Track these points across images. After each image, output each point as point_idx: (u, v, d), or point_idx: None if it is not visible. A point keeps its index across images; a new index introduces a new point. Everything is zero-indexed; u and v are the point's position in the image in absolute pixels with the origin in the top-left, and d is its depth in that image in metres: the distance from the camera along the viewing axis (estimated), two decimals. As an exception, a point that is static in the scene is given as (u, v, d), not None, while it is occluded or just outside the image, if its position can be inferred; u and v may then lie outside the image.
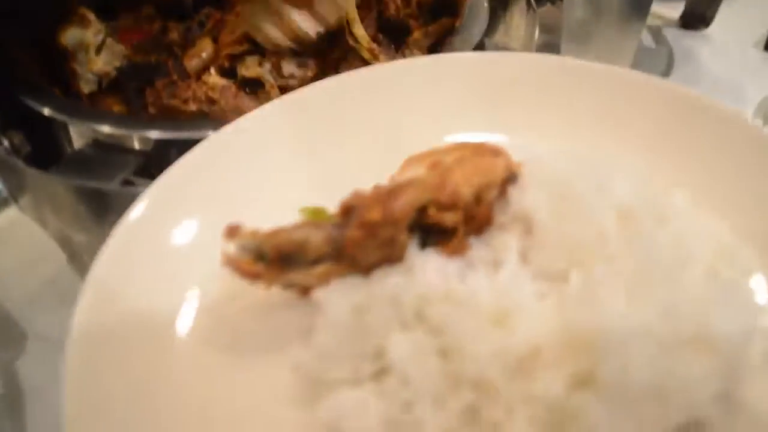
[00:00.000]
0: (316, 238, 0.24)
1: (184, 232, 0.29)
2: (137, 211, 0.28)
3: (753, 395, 0.23)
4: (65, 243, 0.50)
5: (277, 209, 0.27)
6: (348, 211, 0.25)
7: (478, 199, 0.26)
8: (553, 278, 0.24)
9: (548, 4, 0.72)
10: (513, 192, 0.27)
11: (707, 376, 0.21)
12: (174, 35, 0.52)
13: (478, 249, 0.25)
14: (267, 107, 0.34)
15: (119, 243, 0.27)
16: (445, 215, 0.24)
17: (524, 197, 0.26)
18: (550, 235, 0.25)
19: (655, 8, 1.07)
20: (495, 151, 0.28)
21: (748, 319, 0.23)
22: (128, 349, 0.25)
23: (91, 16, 0.51)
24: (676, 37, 1.04)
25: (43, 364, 0.49)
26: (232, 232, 0.25)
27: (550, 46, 0.75)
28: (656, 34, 1.02)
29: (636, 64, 0.92)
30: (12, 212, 0.53)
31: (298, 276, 0.24)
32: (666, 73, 0.96)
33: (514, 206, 0.26)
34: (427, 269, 0.24)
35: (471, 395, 0.22)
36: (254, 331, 0.26)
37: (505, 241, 0.25)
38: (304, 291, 0.25)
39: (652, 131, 0.34)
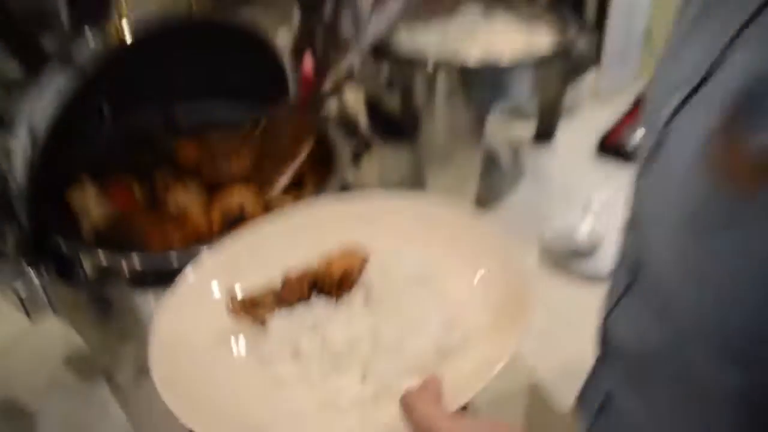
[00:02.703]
0: (269, 295, 0.52)
1: (214, 293, 0.55)
2: (185, 278, 0.55)
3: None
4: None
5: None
6: (284, 282, 0.52)
7: (346, 274, 0.53)
8: (374, 313, 0.52)
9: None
10: (365, 271, 0.55)
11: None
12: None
13: (346, 298, 0.53)
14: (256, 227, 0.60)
15: (175, 298, 0.53)
16: (326, 283, 0.52)
17: (367, 274, 0.54)
18: (376, 293, 0.52)
19: (511, 126, 1.36)
20: (358, 249, 0.56)
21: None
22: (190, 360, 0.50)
23: (89, 183, 0.76)
24: (528, 150, 1.34)
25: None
26: (233, 301, 0.52)
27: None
28: (513, 150, 1.32)
29: (494, 177, 1.21)
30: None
31: (262, 312, 0.51)
32: (519, 181, 1.24)
33: (363, 277, 0.54)
34: (317, 306, 0.51)
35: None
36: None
37: (356, 296, 0.53)
38: (263, 322, 0.52)
39: (449, 239, 0.59)
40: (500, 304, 0.49)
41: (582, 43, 1.17)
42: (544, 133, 1.33)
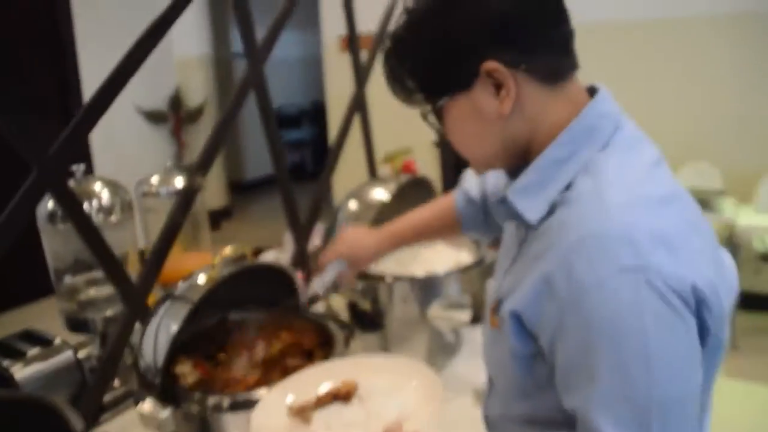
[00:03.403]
0: (310, 404, 0.99)
1: (282, 404, 1.02)
2: (265, 399, 1.02)
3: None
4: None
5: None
6: (318, 397, 1.01)
7: (348, 392, 1.01)
8: (363, 406, 0.99)
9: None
10: (357, 390, 1.03)
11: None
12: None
13: (349, 403, 1.01)
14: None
15: (265, 405, 1.00)
16: (339, 396, 1.00)
17: (358, 391, 1.02)
18: (364, 398, 1.00)
19: (453, 314, 1.88)
20: (352, 381, 1.05)
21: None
22: None
23: (185, 360, 1.25)
24: (467, 329, 1.85)
25: None
26: (291, 408, 1.00)
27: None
28: (454, 329, 1.83)
29: (440, 349, 1.71)
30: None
31: (307, 413, 0.98)
32: (460, 350, 1.74)
33: (358, 392, 1.02)
34: (335, 407, 0.98)
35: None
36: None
37: (354, 401, 1.00)
38: (308, 418, 0.99)
39: (399, 371, 1.09)
40: (424, 395, 0.99)
41: (492, 255, 1.73)
42: (477, 317, 1.86)
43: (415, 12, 0.90)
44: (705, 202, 3.63)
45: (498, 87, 0.86)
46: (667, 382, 0.73)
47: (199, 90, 6.59)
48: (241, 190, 7.59)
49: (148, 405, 1.09)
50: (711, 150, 4.03)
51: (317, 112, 8.42)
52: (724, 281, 0.82)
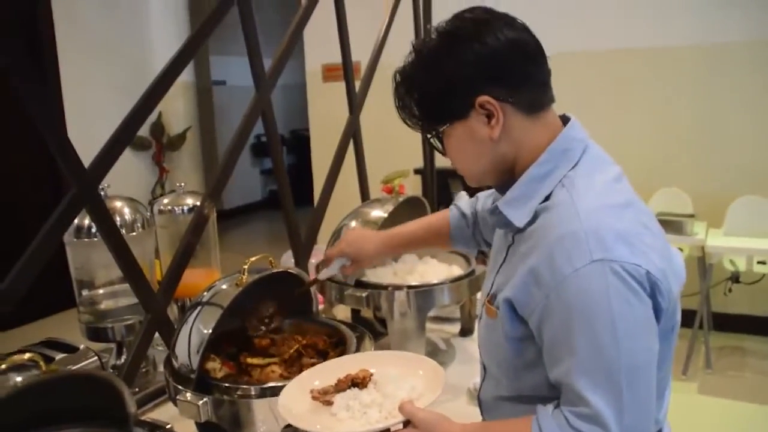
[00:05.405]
0: (331, 388, 1.13)
1: (305, 388, 1.14)
2: (290, 385, 1.15)
3: None
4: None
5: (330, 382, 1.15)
6: (337, 383, 1.15)
7: (364, 378, 1.15)
8: (378, 390, 1.13)
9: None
10: (372, 377, 1.18)
11: None
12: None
13: (365, 388, 1.14)
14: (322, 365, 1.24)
15: (290, 389, 1.14)
16: (357, 382, 1.13)
17: (374, 378, 1.16)
18: (378, 384, 1.14)
19: (444, 327, 2.03)
20: (367, 370, 1.19)
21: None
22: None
23: (214, 357, 1.38)
24: (457, 340, 2.00)
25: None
26: (313, 392, 1.13)
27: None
28: (445, 340, 1.98)
29: (435, 357, 1.86)
30: None
31: (328, 396, 1.12)
32: (452, 359, 1.89)
33: (372, 379, 1.16)
34: (353, 391, 1.11)
35: None
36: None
37: (370, 386, 1.14)
38: (329, 401, 1.12)
39: (408, 362, 1.23)
40: (430, 380, 1.13)
41: (480, 269, 1.89)
42: (466, 330, 2.01)
43: (422, 53, 1.07)
44: (677, 225, 3.82)
45: (489, 117, 1.03)
46: (630, 349, 0.90)
47: (180, 117, 6.71)
48: (218, 219, 7.69)
49: (187, 395, 1.23)
50: (682, 176, 4.25)
51: (297, 141, 8.56)
52: (673, 270, 1.00)
